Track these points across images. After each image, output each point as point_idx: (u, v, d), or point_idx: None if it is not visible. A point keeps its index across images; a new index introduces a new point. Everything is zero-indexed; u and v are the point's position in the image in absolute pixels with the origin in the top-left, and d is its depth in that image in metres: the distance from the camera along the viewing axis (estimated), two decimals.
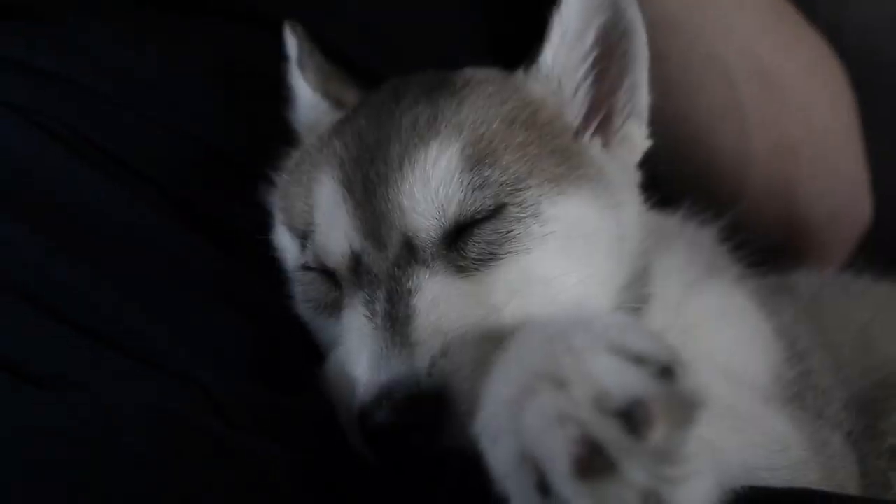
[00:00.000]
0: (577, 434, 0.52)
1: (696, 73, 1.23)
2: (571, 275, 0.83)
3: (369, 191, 0.83)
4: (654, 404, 0.54)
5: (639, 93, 0.94)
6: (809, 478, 0.82)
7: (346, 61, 1.09)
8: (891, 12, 1.68)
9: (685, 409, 0.55)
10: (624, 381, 0.54)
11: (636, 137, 0.95)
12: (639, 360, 0.56)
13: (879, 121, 1.40)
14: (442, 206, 0.81)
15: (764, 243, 1.09)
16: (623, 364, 0.55)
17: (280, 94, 1.05)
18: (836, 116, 1.32)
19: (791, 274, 1.15)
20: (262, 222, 0.95)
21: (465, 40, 1.23)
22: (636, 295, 0.90)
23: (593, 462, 0.52)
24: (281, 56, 1.05)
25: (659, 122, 0.97)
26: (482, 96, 0.88)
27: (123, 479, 0.64)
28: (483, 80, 0.91)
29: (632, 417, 0.53)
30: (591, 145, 0.92)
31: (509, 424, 0.57)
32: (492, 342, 0.75)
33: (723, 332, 0.94)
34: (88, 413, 0.70)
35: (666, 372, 0.56)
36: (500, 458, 0.57)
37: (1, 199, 0.88)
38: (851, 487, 0.88)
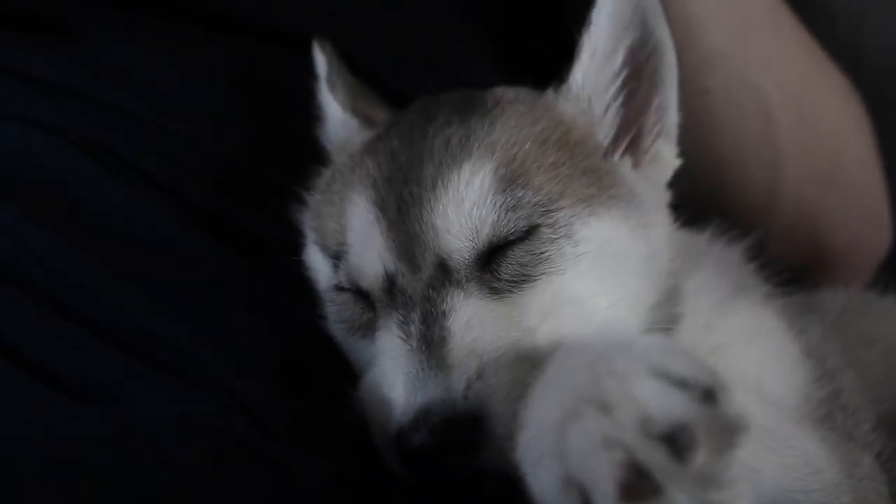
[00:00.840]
0: (622, 458, 0.53)
1: (736, 105, 1.22)
2: (603, 296, 0.83)
3: (403, 211, 0.83)
4: (698, 428, 0.54)
5: (668, 112, 0.94)
6: (842, 500, 0.81)
7: (373, 78, 1.10)
8: None
9: (728, 432, 0.55)
10: (668, 405, 0.54)
11: (666, 157, 0.95)
12: (682, 383, 0.56)
13: None
14: (475, 227, 0.81)
15: (790, 262, 1.09)
16: (666, 388, 0.55)
17: (306, 112, 1.06)
18: (859, 145, 1.33)
19: (817, 293, 1.15)
20: (291, 239, 0.96)
21: (488, 56, 1.23)
22: (666, 315, 0.89)
23: (638, 486, 0.52)
24: (306, 73, 1.06)
25: (690, 152, 0.97)
26: (514, 116, 0.88)
27: (162, 489, 0.64)
28: (514, 100, 0.91)
29: (676, 441, 0.54)
30: (622, 165, 0.92)
31: (553, 448, 0.57)
32: (527, 364, 0.75)
33: (752, 352, 0.94)
34: (124, 423, 0.71)
35: (708, 395, 0.56)
36: (542, 481, 0.57)
37: (35, 211, 0.89)
38: None
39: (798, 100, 1.24)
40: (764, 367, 0.93)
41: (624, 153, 0.93)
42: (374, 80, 1.10)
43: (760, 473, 0.70)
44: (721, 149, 1.23)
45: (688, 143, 0.96)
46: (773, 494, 0.71)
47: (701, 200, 1.15)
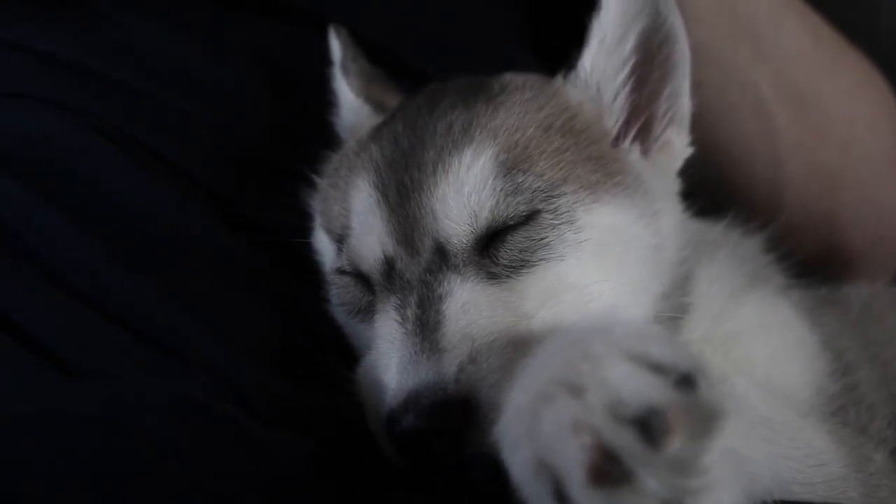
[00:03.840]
0: (591, 441, 0.52)
1: (729, 100, 1.22)
2: (605, 283, 0.82)
3: (403, 196, 0.83)
4: (672, 413, 0.53)
5: (680, 100, 0.93)
6: (849, 494, 0.80)
7: (393, 59, 1.10)
8: None
9: (705, 419, 0.54)
10: (640, 388, 0.54)
11: (677, 145, 0.94)
12: (657, 368, 0.55)
13: None
14: (474, 212, 0.81)
15: (809, 254, 1.08)
16: (640, 372, 0.54)
17: (323, 96, 1.06)
18: (879, 140, 1.30)
19: (840, 287, 1.13)
20: (302, 224, 0.96)
21: (511, 39, 1.22)
22: (676, 304, 0.89)
23: (609, 471, 0.52)
24: (324, 56, 1.06)
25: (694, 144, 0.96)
26: (518, 102, 0.88)
27: (145, 465, 0.65)
28: (520, 86, 0.91)
29: (648, 426, 0.53)
30: (630, 152, 0.91)
31: (526, 431, 0.56)
32: (521, 349, 0.75)
33: (764, 343, 0.93)
34: (113, 399, 0.72)
35: (686, 381, 0.55)
36: (518, 465, 0.57)
37: (42, 188, 0.91)
38: None
39: (798, 96, 1.22)
40: (775, 358, 0.92)
41: (633, 140, 0.92)
42: (396, 62, 1.10)
43: (755, 463, 0.68)
44: (720, 142, 1.22)
45: (694, 133, 0.95)
46: (768, 485, 0.69)
47: (718, 190, 1.14)
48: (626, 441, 0.52)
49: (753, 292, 0.97)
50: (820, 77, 1.25)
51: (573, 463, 0.52)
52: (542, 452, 0.54)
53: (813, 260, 1.08)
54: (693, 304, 0.91)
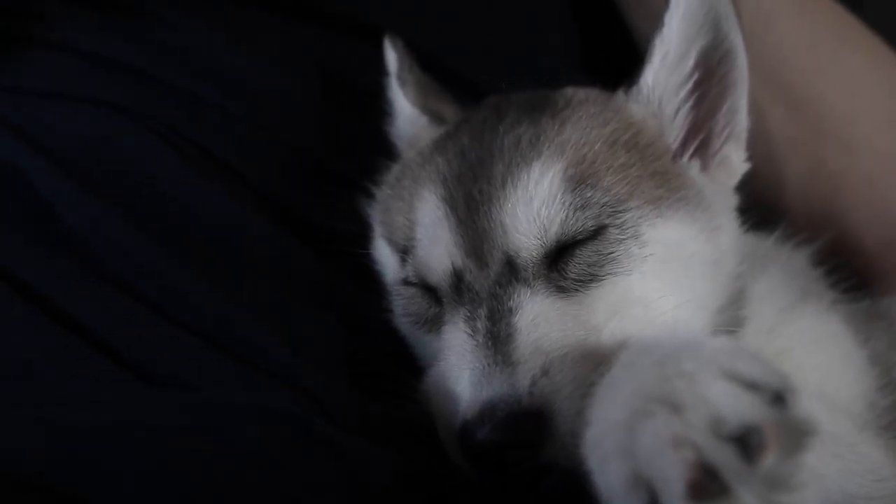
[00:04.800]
0: (692, 457, 0.53)
1: None
2: (670, 297, 0.83)
3: (472, 209, 0.84)
4: (768, 430, 0.54)
5: (738, 116, 0.94)
6: None
7: (445, 71, 1.11)
8: None
9: (797, 436, 0.56)
10: (738, 406, 0.55)
11: (734, 161, 0.96)
12: (752, 385, 0.56)
13: None
14: (544, 226, 0.82)
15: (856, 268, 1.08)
16: (737, 389, 0.56)
17: (377, 105, 1.07)
18: (887, 138, 1.26)
19: (885, 300, 1.14)
20: (360, 232, 0.97)
21: (560, 55, 1.23)
22: (731, 318, 0.89)
23: (707, 486, 0.53)
24: (379, 65, 1.07)
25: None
26: (584, 117, 0.89)
27: (237, 476, 0.65)
28: (584, 101, 0.92)
29: (745, 443, 0.54)
30: (690, 168, 0.92)
31: (621, 445, 0.57)
32: (591, 363, 0.76)
33: (816, 358, 0.93)
34: (200, 411, 0.73)
35: (778, 398, 0.56)
36: (610, 477, 0.58)
37: (106, 193, 0.91)
38: None
39: (792, 96, 1.21)
40: (828, 373, 0.93)
41: (693, 156, 0.93)
42: (450, 73, 1.11)
43: (825, 479, 0.69)
44: None
45: None
46: (836, 500, 0.70)
47: (767, 205, 1.14)
48: (725, 457, 0.53)
49: (805, 307, 0.98)
50: (816, 77, 1.23)
51: (674, 477, 0.53)
52: (640, 466, 0.56)
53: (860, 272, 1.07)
54: (747, 318, 0.92)
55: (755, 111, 0.97)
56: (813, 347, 0.94)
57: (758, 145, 1.05)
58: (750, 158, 0.97)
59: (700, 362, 0.58)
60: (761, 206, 1.05)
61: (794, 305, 0.97)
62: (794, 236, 1.06)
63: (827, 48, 1.24)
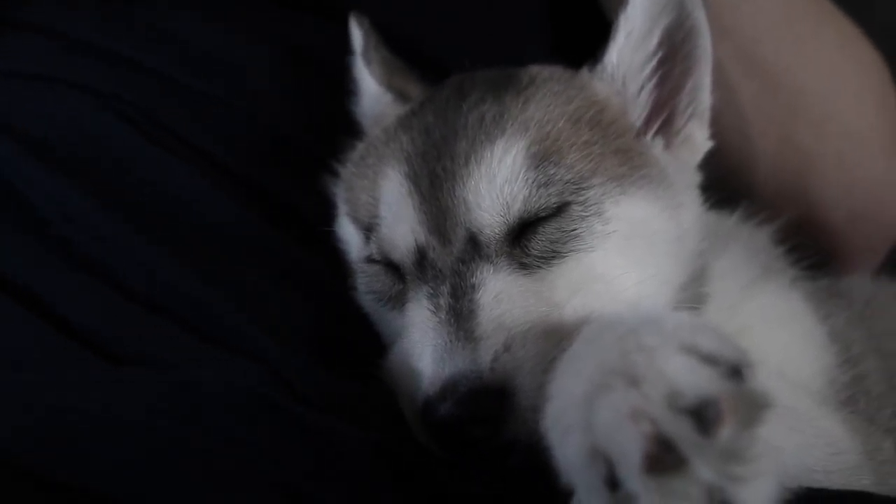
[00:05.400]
0: (649, 430, 0.54)
1: None
2: (632, 274, 0.83)
3: (435, 186, 0.84)
4: (725, 404, 0.55)
5: (701, 94, 0.95)
6: (863, 482, 0.82)
7: (412, 50, 1.11)
8: None
9: (753, 409, 0.56)
10: (696, 380, 0.55)
11: (697, 139, 0.96)
12: (710, 359, 0.57)
13: None
14: (507, 203, 0.82)
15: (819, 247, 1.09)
16: (695, 363, 0.56)
17: (344, 85, 1.07)
18: (859, 116, 1.28)
19: (845, 279, 1.15)
20: (327, 211, 0.97)
21: (529, 34, 1.23)
22: (693, 295, 0.90)
23: (664, 458, 0.53)
24: (346, 45, 1.07)
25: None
26: (548, 94, 0.89)
27: (209, 456, 0.65)
28: (548, 78, 0.92)
29: (702, 416, 0.54)
30: (654, 146, 0.93)
31: (580, 419, 0.58)
32: (554, 338, 0.77)
33: (777, 334, 0.95)
34: (174, 389, 0.73)
35: (735, 372, 0.57)
36: (569, 451, 0.59)
37: (78, 176, 0.91)
38: None
39: (765, 72, 1.21)
40: (788, 349, 0.94)
41: (656, 134, 0.94)
42: (416, 52, 1.11)
43: (783, 452, 0.70)
44: None
45: None
46: (795, 473, 0.72)
47: (731, 183, 1.14)
48: (682, 430, 0.54)
49: (767, 284, 0.99)
50: (791, 53, 1.23)
51: (631, 450, 0.54)
52: (598, 439, 0.56)
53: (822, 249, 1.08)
54: (710, 295, 0.93)
55: (728, 85, 0.98)
56: (774, 324, 0.96)
57: (730, 119, 1.06)
58: (722, 132, 0.98)
59: (660, 337, 0.59)
60: (732, 185, 1.06)
61: (755, 283, 0.98)
62: (756, 214, 1.07)
63: (801, 25, 1.25)
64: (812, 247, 1.09)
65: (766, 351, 0.90)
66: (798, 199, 1.25)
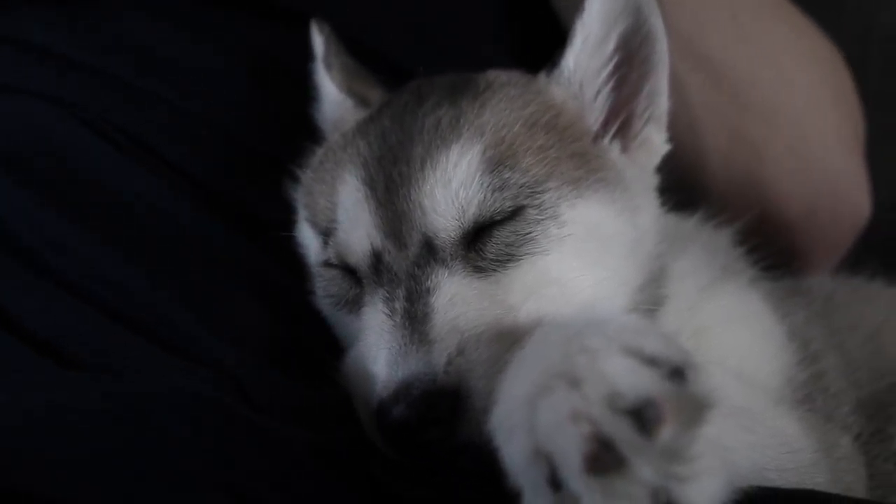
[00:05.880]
0: (588, 431, 0.54)
1: None
2: (587, 276, 0.84)
3: (391, 190, 0.84)
4: (665, 404, 0.55)
5: (658, 98, 0.95)
6: (817, 480, 0.83)
7: (373, 55, 1.11)
8: None
9: (695, 409, 0.57)
10: (636, 381, 0.56)
11: (655, 142, 0.97)
12: (651, 361, 0.57)
13: None
14: (462, 207, 0.83)
15: (779, 246, 1.09)
16: (636, 365, 0.57)
17: (306, 91, 1.07)
18: (812, 108, 1.28)
19: (805, 278, 1.16)
20: (287, 217, 0.97)
21: (489, 40, 1.24)
22: (651, 296, 0.91)
23: (604, 458, 0.54)
24: (306, 50, 1.07)
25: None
26: (504, 99, 0.90)
27: (154, 457, 0.66)
28: (505, 83, 0.92)
29: (643, 416, 0.55)
30: (610, 149, 0.93)
31: (524, 421, 0.58)
32: (508, 341, 0.77)
33: (736, 334, 0.96)
34: (120, 394, 0.73)
35: (677, 373, 0.57)
36: (514, 453, 0.59)
37: (36, 185, 0.91)
38: (859, 490, 0.89)
39: (711, 66, 1.21)
40: (747, 349, 0.95)
41: (613, 138, 0.94)
42: (378, 58, 1.11)
43: (734, 451, 0.71)
44: None
45: None
46: (746, 472, 0.72)
47: (685, 181, 1.15)
48: (621, 430, 0.54)
49: (725, 285, 1.00)
50: (737, 47, 1.23)
51: (571, 451, 0.54)
52: (540, 441, 0.57)
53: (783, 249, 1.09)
54: (668, 297, 0.94)
55: (675, 81, 0.98)
56: (732, 324, 0.96)
57: (679, 115, 1.07)
58: (672, 129, 0.99)
59: (603, 339, 0.59)
60: (687, 183, 1.06)
61: (714, 284, 0.99)
62: (716, 217, 1.08)
63: (748, 18, 1.25)
64: (772, 247, 1.09)
65: (724, 351, 0.92)
66: (750, 194, 1.25)
